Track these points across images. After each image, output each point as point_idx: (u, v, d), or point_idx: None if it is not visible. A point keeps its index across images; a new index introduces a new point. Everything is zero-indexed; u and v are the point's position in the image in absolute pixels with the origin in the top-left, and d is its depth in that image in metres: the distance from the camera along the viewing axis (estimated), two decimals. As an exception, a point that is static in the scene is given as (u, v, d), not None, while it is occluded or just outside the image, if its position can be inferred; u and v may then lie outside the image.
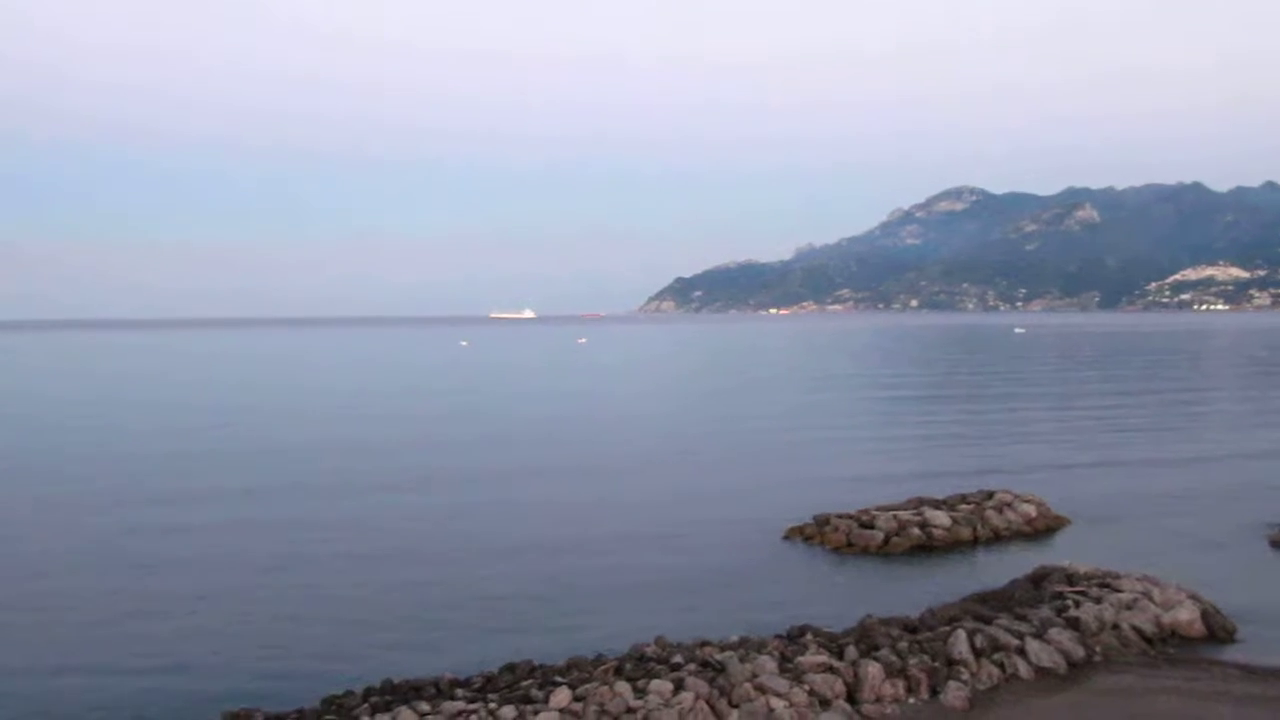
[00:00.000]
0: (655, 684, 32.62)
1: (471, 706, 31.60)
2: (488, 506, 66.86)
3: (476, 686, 34.49)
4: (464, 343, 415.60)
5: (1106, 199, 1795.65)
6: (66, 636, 41.55)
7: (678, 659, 35.28)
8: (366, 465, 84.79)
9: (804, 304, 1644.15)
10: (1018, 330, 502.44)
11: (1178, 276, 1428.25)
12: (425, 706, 31.58)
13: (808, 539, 56.72)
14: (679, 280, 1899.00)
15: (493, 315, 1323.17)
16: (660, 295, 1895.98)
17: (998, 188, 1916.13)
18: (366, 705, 32.62)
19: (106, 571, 50.39)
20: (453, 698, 32.93)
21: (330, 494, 71.55)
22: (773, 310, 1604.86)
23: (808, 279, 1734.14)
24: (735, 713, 31.88)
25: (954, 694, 33.38)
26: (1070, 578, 43.44)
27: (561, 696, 32.02)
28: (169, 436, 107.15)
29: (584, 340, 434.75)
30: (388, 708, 31.96)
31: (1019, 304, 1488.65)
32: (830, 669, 34.13)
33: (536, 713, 31.17)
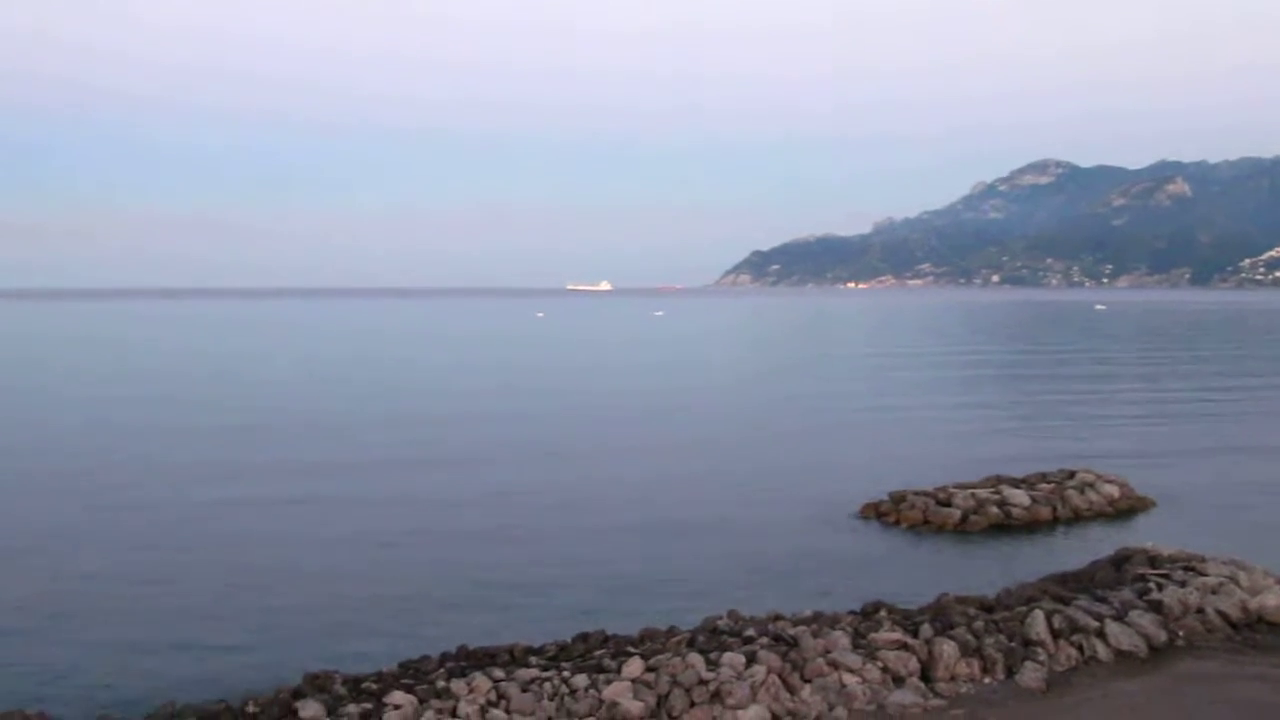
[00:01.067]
0: (728, 656, 32.69)
1: (545, 674, 31.96)
2: (561, 484, 67.12)
3: (550, 655, 34.88)
4: (540, 314, 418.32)
5: (1199, 173, 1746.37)
6: (154, 609, 42.89)
7: (750, 632, 35.29)
8: (453, 438, 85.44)
9: (882, 278, 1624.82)
10: (1098, 307, 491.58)
11: (1273, 253, 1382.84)
12: (499, 673, 32.01)
13: (883, 516, 56.27)
14: (756, 254, 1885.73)
15: (569, 287, 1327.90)
16: (737, 269, 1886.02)
17: (1085, 160, 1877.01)
18: (442, 670, 33.16)
19: (189, 546, 51.40)
20: (526, 665, 33.34)
21: (412, 468, 72.52)
22: (850, 285, 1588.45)
23: (887, 253, 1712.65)
24: (808, 687, 31.84)
25: (1030, 675, 32.95)
26: (1153, 560, 42.50)
27: (634, 667, 32.23)
28: (274, 408, 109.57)
29: (660, 313, 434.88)
30: (463, 673, 32.45)
31: (1105, 280, 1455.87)
32: (904, 646, 33.89)
33: (609, 682, 31.41)
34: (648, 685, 31.41)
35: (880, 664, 32.92)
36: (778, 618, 37.25)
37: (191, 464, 72.50)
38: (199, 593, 43.66)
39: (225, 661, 36.43)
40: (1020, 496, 55.77)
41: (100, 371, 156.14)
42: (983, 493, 56.47)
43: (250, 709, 29.83)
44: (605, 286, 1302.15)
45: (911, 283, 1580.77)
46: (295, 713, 29.33)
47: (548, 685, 31.15)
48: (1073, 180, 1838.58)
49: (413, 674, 33.42)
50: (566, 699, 30.60)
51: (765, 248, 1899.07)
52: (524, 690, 30.59)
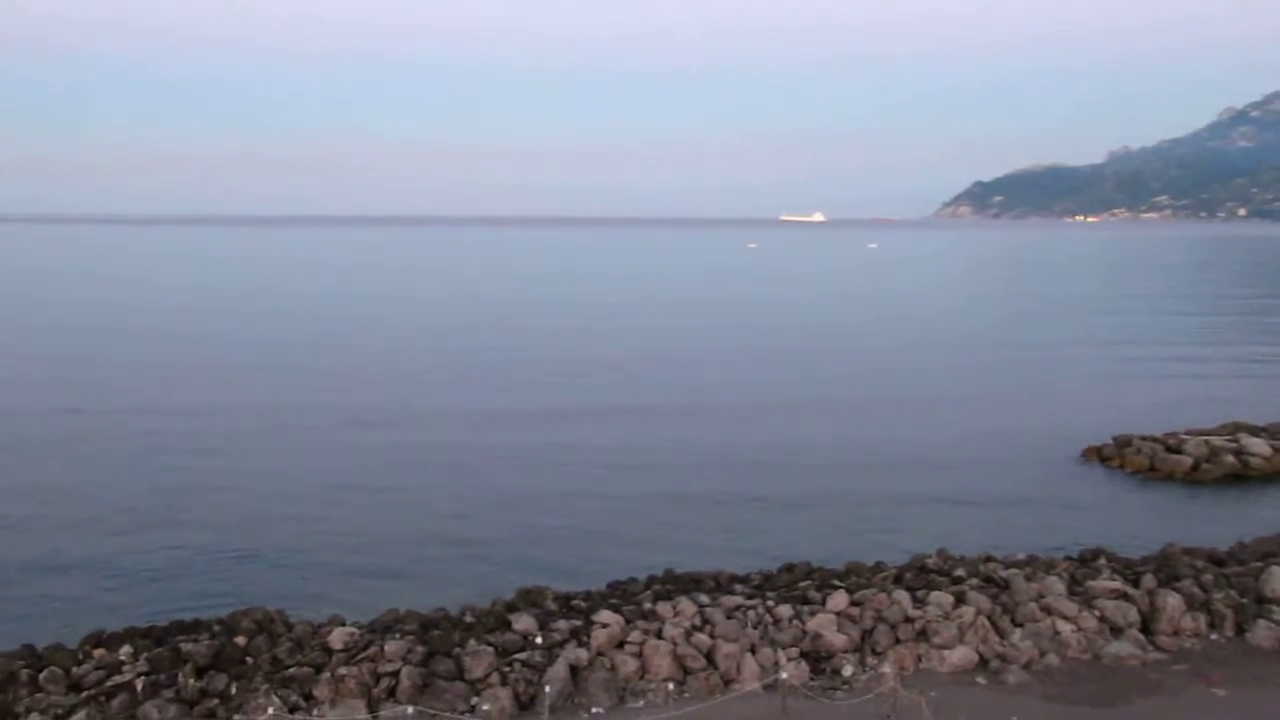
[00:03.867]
0: (935, 595, 32.18)
1: (750, 602, 32.27)
2: (784, 418, 66.68)
3: (755, 583, 35.18)
4: (751, 245, 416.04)
5: None
6: (392, 532, 45.59)
7: (960, 572, 34.62)
8: (681, 380, 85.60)
9: (1115, 211, 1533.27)
10: None
11: None
12: (704, 598, 32.51)
13: (1106, 460, 53.94)
14: (977, 184, 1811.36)
15: (782, 218, 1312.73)
16: (956, 200, 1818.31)
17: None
18: (649, 593, 33.94)
19: (419, 474, 53.76)
20: (731, 592, 33.73)
21: (641, 414, 73.44)
22: (1079, 218, 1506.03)
23: (1121, 184, 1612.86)
24: (1018, 631, 31.05)
25: (1263, 634, 31.12)
26: None
27: (839, 600, 32.15)
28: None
29: (874, 245, 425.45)
30: (668, 596, 33.12)
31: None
32: (1124, 596, 32.53)
33: (813, 613, 31.46)
34: (852, 619, 31.30)
35: (1097, 613, 31.75)
36: (989, 559, 36.42)
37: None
38: (440, 515, 45.89)
39: (445, 574, 38.52)
40: (1260, 446, 52.37)
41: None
42: (1218, 440, 53.34)
43: (467, 618, 31.34)
44: (818, 217, 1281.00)
45: (1146, 216, 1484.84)
46: (509, 624, 30.64)
47: (751, 613, 31.45)
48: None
49: (620, 594, 34.36)
50: (770, 628, 30.84)
51: (987, 178, 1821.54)
52: (728, 617, 30.98)
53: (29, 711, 26.74)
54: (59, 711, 26.81)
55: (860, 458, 55.10)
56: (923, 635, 30.56)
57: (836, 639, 30.26)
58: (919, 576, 34.61)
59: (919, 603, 31.99)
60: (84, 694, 27.42)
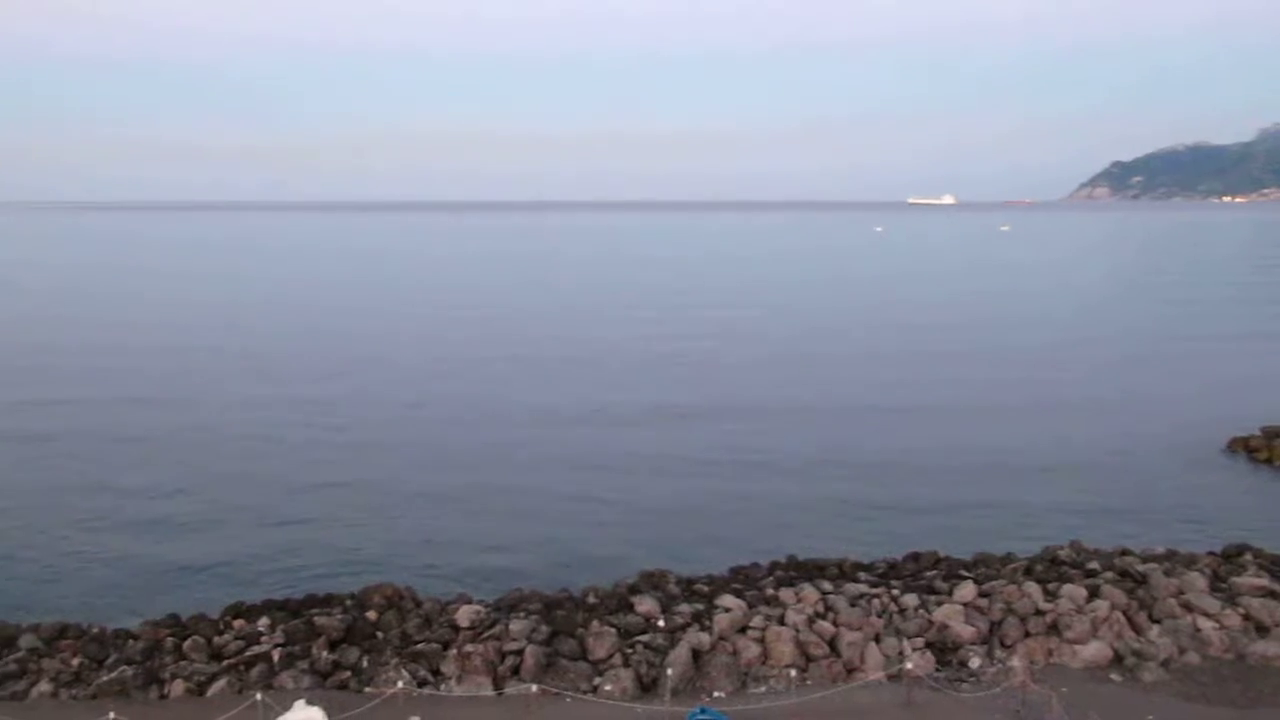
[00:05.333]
0: (1067, 589, 31.25)
1: (874, 590, 31.84)
2: (920, 419, 65.26)
3: (879, 572, 34.70)
4: (879, 229, 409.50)
5: None
6: (508, 511, 46.35)
7: (1094, 565, 33.56)
8: (812, 378, 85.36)
9: (1265, 191, 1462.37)
10: None
11: None
12: (828, 585, 32.20)
13: (1253, 452, 51.60)
14: (1116, 164, 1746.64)
15: (911, 201, 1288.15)
16: (1094, 181, 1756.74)
17: None
18: (771, 578, 33.78)
19: (544, 462, 54.24)
20: (855, 580, 33.34)
21: (777, 412, 73.26)
22: (1227, 198, 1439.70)
23: (1272, 162, 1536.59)
24: (1156, 628, 29.96)
25: None
26: None
27: (967, 590, 31.49)
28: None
29: (1007, 228, 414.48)
30: (791, 582, 32.91)
31: None
32: (1271, 594, 31.09)
33: (940, 604, 30.88)
34: (980, 610, 30.62)
35: (1242, 611, 30.39)
36: (1125, 552, 35.21)
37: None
38: (564, 498, 46.45)
39: (568, 556, 38.98)
40: None
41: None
42: (1377, 432, 50.65)
43: (590, 599, 31.64)
44: (948, 200, 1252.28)
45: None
46: (631, 606, 30.83)
47: (876, 602, 31.02)
48: None
49: (743, 579, 34.27)
50: (895, 617, 30.38)
51: (1127, 158, 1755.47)
52: (852, 604, 30.63)
53: (174, 678, 27.96)
54: (201, 679, 27.97)
55: (992, 450, 53.85)
56: (1054, 629, 29.74)
57: (964, 630, 29.66)
58: (1051, 569, 33.68)
59: (1050, 596, 31.13)
60: (224, 663, 28.55)
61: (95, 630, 30.41)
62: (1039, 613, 30.24)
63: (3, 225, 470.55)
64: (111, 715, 24.81)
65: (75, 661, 28.73)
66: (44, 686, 27.88)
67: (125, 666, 28.33)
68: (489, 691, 27.48)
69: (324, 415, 60.81)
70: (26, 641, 29.75)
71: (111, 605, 34.05)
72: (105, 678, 27.96)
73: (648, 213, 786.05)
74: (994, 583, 31.93)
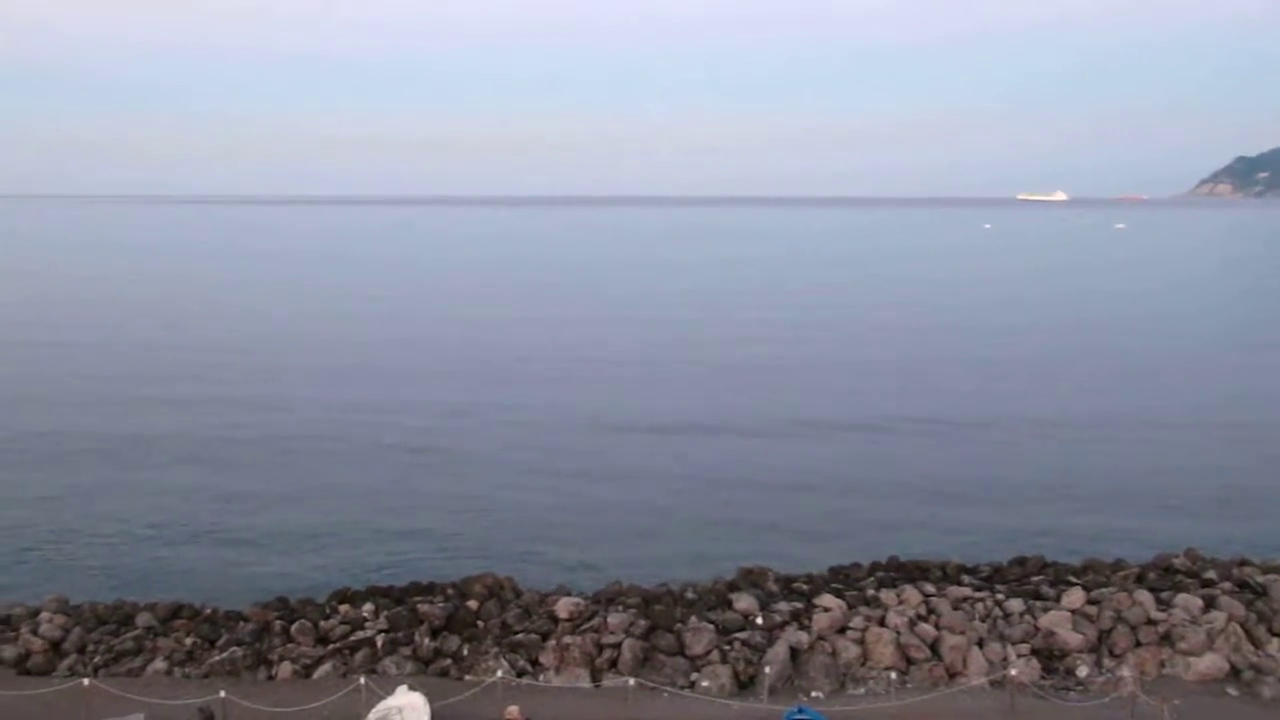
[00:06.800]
0: (1182, 598, 30.23)
1: (978, 594, 31.22)
2: (1035, 432, 63.21)
3: (984, 575, 33.97)
4: (987, 226, 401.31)
5: None
6: (607, 504, 46.86)
7: (1210, 575, 32.40)
8: (926, 386, 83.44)
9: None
10: None
11: None
12: (930, 588, 31.65)
13: (1383, 460, 49.40)
14: (1240, 160, 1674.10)
15: (1020, 197, 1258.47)
16: (1215, 177, 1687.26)
17: None
18: (872, 579, 33.34)
19: (648, 458, 54.76)
20: (958, 583, 32.70)
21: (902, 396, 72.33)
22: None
23: None
24: (1276, 641, 28.82)
25: None
26: None
27: (1074, 597, 30.67)
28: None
29: (1122, 226, 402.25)
30: (892, 584, 32.45)
31: None
32: (1401, 610, 29.68)
33: (1046, 610, 30.14)
34: (1088, 618, 29.79)
35: (1370, 626, 29.12)
36: (1244, 562, 33.87)
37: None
38: (665, 493, 46.60)
39: (667, 550, 39.09)
40: None
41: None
42: None
43: (689, 595, 31.61)
44: (1059, 196, 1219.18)
45: None
46: (730, 603, 30.73)
47: (980, 606, 30.40)
48: None
49: (843, 579, 33.86)
50: (999, 622, 29.73)
51: (1252, 152, 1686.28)
52: (955, 608, 30.06)
53: (281, 660, 28.75)
54: (308, 661, 28.70)
55: (1103, 454, 52.40)
56: (1166, 639, 28.80)
57: (1071, 637, 28.90)
58: (1164, 577, 32.62)
59: (1163, 605, 30.15)
60: (330, 647, 29.24)
61: (208, 611, 31.40)
62: (1151, 622, 29.32)
63: None
64: (222, 694, 25.60)
65: (189, 641, 29.71)
66: (159, 664, 28.89)
67: (236, 647, 29.22)
68: (586, 684, 27.67)
69: (428, 415, 61.42)
70: (143, 620, 30.86)
71: (223, 588, 35.11)
72: (217, 657, 28.87)
73: (761, 208, 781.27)
74: (1103, 590, 31.04)
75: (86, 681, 26.77)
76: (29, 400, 63.51)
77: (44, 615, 30.81)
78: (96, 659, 29.10)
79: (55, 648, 29.62)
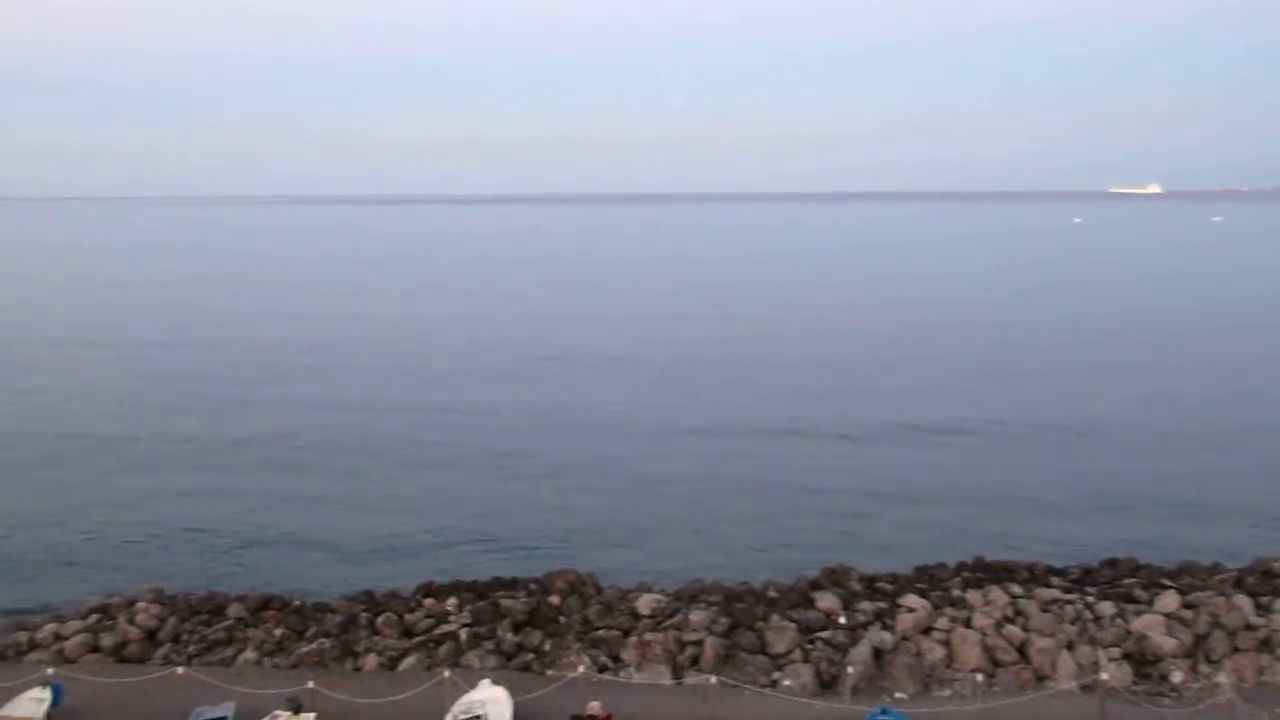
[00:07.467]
0: (1282, 603, 29.27)
1: (1067, 596, 30.53)
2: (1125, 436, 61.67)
3: (1073, 576, 33.24)
4: (1077, 219, 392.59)
5: None
6: (688, 501, 46.80)
7: (1313, 580, 31.35)
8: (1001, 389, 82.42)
9: None
10: None
11: None
12: (1017, 589, 31.05)
13: None
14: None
15: (1112, 190, 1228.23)
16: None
17: None
18: (958, 580, 32.82)
19: (727, 459, 54.76)
20: (1047, 584, 32.04)
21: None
22: None
23: None
24: (1383, 650, 27.76)
25: None
26: None
27: (1169, 601, 29.84)
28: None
29: (1219, 219, 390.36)
30: (979, 584, 31.91)
31: None
32: None
33: (1139, 613, 29.37)
34: (1184, 622, 28.96)
35: None
36: (1349, 567, 32.75)
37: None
38: (745, 494, 46.27)
39: (749, 548, 38.93)
40: None
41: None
42: None
43: (771, 593, 31.42)
44: (1153, 189, 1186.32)
45: None
46: (812, 601, 30.48)
47: (1069, 608, 29.73)
48: None
49: (928, 579, 33.39)
50: (1090, 625, 29.04)
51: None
52: (1043, 610, 29.44)
53: (367, 652, 29.21)
54: (393, 654, 29.12)
55: (1198, 456, 50.97)
56: (1266, 646, 27.89)
57: (1165, 642, 28.12)
58: (1264, 581, 31.60)
59: (1263, 610, 29.20)
60: (415, 639, 29.64)
61: (296, 603, 32.04)
62: (1250, 628, 28.41)
63: None
64: (310, 684, 26.06)
65: (278, 632, 30.33)
66: (249, 654, 29.55)
67: (323, 639, 29.76)
68: (668, 680, 27.65)
69: (511, 418, 61.62)
70: (234, 611, 31.59)
71: (311, 580, 35.86)
72: (305, 648, 29.43)
73: (840, 204, 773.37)
74: (1199, 594, 30.16)
75: (180, 670, 27.46)
76: (131, 405, 65.20)
77: (140, 605, 31.73)
78: (190, 648, 29.87)
79: (151, 636, 30.48)
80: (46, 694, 25.71)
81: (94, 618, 31.25)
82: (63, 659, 29.35)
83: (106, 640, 30.13)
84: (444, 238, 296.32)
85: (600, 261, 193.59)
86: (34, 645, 30.18)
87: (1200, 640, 28.32)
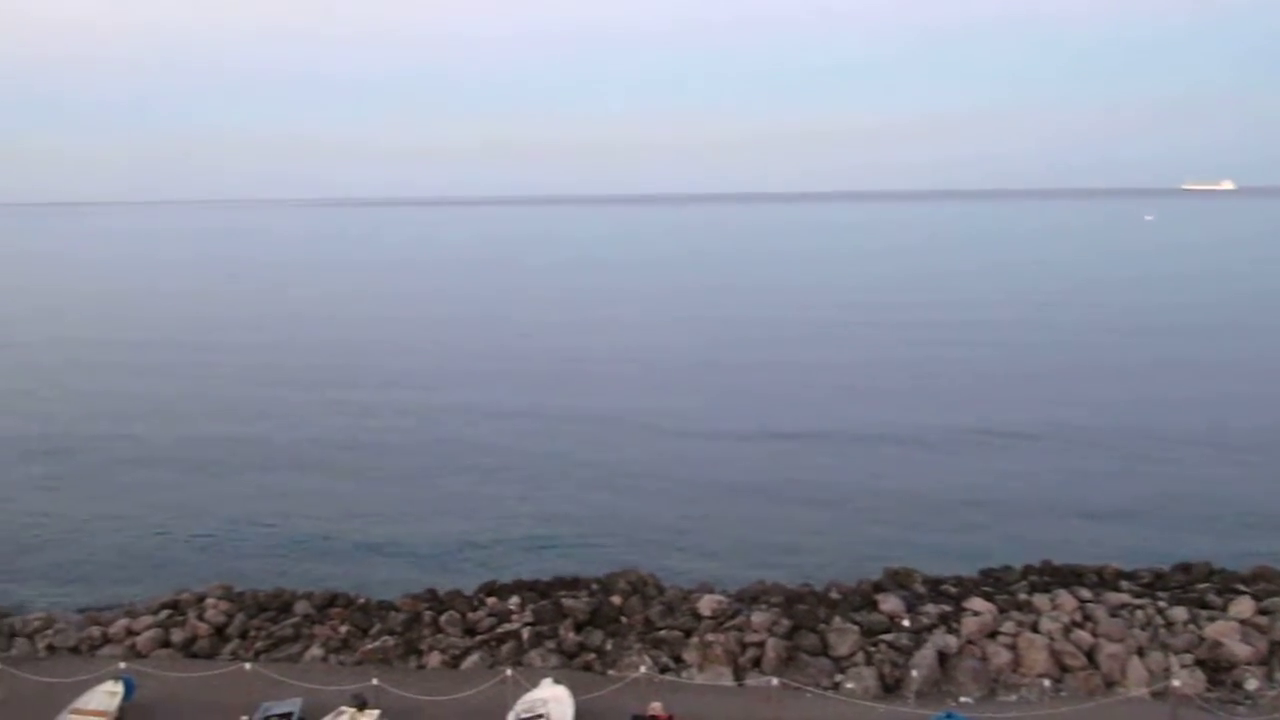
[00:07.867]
0: (1363, 610, 28.43)
1: (1138, 601, 29.93)
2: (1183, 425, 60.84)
3: (1144, 581, 32.56)
4: (1148, 217, 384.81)
5: None
6: (751, 502, 46.70)
7: (1395, 586, 30.41)
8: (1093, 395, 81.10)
9: None
10: None
11: None
12: (1085, 593, 30.50)
13: None
14: None
15: (1185, 187, 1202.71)
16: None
17: None
18: (1025, 583, 32.31)
19: (794, 460, 54.60)
20: (1116, 588, 31.44)
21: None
22: None
23: None
24: None
25: None
26: None
27: (1243, 606, 29.12)
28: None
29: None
30: (1046, 588, 31.40)
31: None
32: None
33: (1212, 619, 28.70)
34: (1259, 629, 28.24)
35: None
36: None
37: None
38: (805, 501, 45.82)
39: (811, 550, 38.64)
40: None
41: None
42: None
43: (833, 595, 31.19)
44: (1227, 185, 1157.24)
45: None
46: (875, 604, 30.19)
47: (1140, 613, 29.14)
48: None
49: (994, 582, 32.90)
50: (1161, 630, 28.45)
51: None
52: (1113, 615, 28.90)
53: (431, 649, 29.47)
54: (456, 652, 29.33)
55: (1272, 460, 49.56)
56: (1345, 653, 27.12)
57: (1239, 649, 27.44)
58: (1343, 587, 30.72)
59: (1342, 617, 28.40)
60: (477, 638, 29.85)
61: (361, 601, 32.42)
62: (1328, 635, 27.65)
63: None
64: (375, 681, 26.35)
65: (343, 629, 30.71)
66: (315, 650, 29.95)
67: (387, 636, 30.08)
68: (729, 682, 27.56)
69: (573, 421, 61.76)
70: (301, 608, 32.05)
71: (375, 579, 36.26)
72: (369, 645, 29.77)
73: (888, 204, 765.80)
74: (1275, 599, 29.40)
75: (248, 666, 27.93)
76: (207, 406, 66.43)
77: (209, 601, 32.33)
78: (257, 644, 30.34)
79: (219, 632, 31.03)
80: (119, 687, 26.34)
81: (165, 613, 31.86)
82: (134, 653, 30.03)
83: (176, 635, 30.73)
84: (495, 240, 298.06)
85: (637, 262, 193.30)
86: (106, 640, 30.87)
87: (1276, 647, 27.62)
